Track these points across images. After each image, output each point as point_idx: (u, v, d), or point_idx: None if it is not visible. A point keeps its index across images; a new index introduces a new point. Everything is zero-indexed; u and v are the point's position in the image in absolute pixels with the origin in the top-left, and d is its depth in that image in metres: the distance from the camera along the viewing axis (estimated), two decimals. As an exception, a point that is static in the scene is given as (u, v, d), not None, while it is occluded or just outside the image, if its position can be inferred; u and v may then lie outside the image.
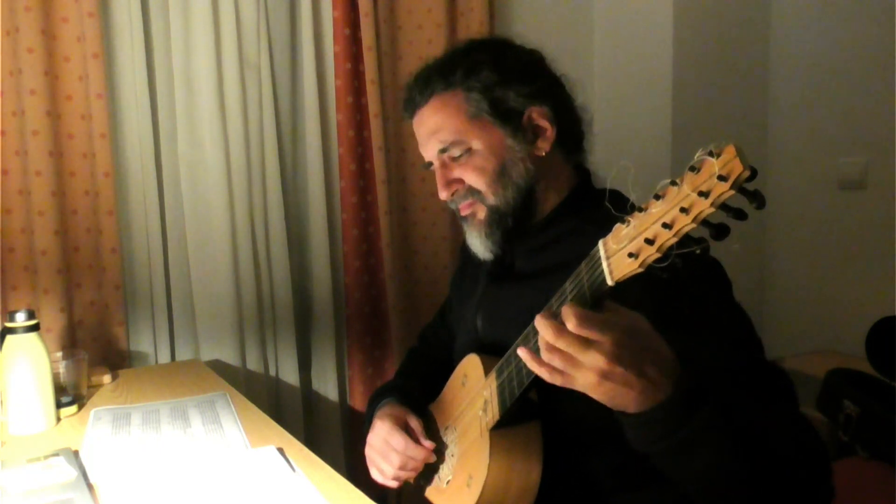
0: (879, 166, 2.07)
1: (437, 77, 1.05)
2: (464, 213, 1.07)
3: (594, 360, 0.70)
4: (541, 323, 0.73)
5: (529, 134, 1.03)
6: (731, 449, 0.76)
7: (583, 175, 1.10)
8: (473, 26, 2.07)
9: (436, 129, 1.05)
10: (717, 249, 0.70)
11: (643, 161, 2.19)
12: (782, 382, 0.89)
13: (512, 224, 1.04)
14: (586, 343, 0.71)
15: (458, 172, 1.05)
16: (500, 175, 1.02)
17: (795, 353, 2.18)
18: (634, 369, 0.71)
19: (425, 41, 2.05)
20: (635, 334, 0.72)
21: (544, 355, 0.74)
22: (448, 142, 1.04)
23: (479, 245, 1.07)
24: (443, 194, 1.07)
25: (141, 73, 1.76)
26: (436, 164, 1.07)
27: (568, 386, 0.74)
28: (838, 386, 1.70)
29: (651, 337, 0.74)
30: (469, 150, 1.03)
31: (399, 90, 2.01)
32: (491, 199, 1.03)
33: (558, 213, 1.06)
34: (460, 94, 1.03)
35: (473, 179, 1.03)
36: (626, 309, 0.74)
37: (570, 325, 0.71)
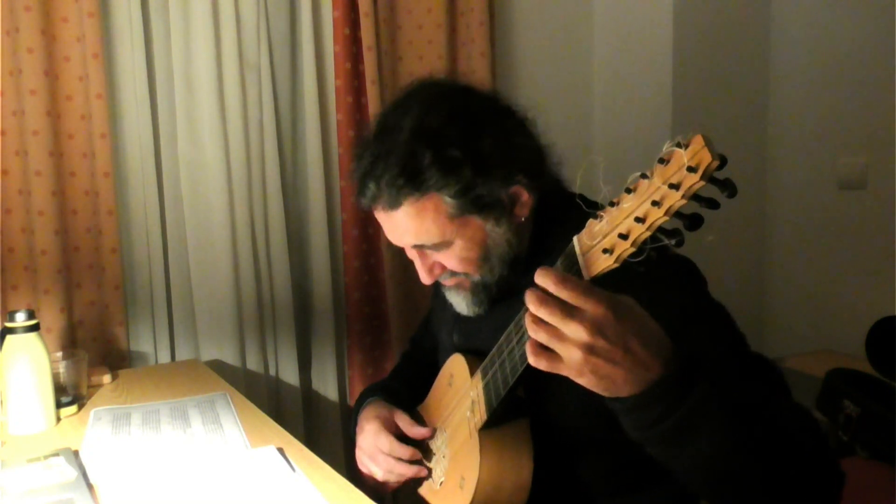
0: (879, 166, 2.07)
1: (407, 184, 0.92)
2: (447, 283, 1.03)
3: (577, 333, 0.67)
4: (527, 295, 0.70)
5: (508, 206, 0.97)
6: (728, 432, 0.73)
7: (544, 189, 1.02)
8: (473, 26, 2.07)
9: (411, 231, 0.96)
10: (699, 244, 0.69)
11: (643, 161, 2.18)
12: (772, 374, 0.88)
13: (496, 290, 1.01)
14: (569, 311, 0.67)
15: (438, 258, 0.99)
16: (485, 259, 0.98)
17: (795, 353, 2.17)
18: (619, 344, 0.67)
19: (425, 41, 2.05)
20: (619, 308, 0.68)
21: (530, 329, 0.71)
22: (428, 243, 0.97)
23: (464, 307, 1.03)
24: (426, 280, 1.01)
25: (141, 73, 1.76)
26: (410, 252, 1.01)
27: (554, 370, 0.70)
28: (838, 386, 1.70)
29: (638, 314, 0.71)
30: (450, 245, 0.97)
31: (399, 90, 2.01)
32: (477, 277, 0.99)
33: (531, 240, 1.02)
34: (435, 197, 0.93)
35: (456, 266, 0.98)
36: (610, 292, 0.71)
37: (550, 287, 0.68)
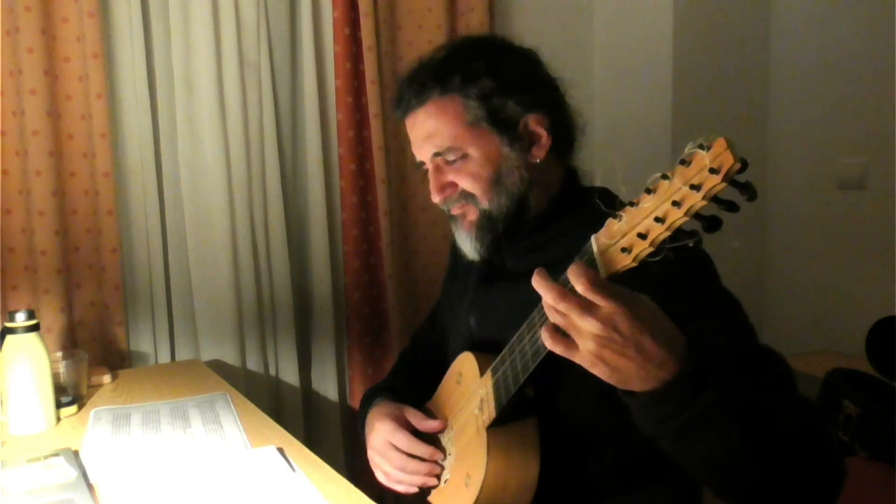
0: (879, 166, 2.07)
1: (434, 81, 1.02)
2: (454, 212, 1.07)
3: (592, 327, 0.70)
4: (542, 285, 0.72)
5: (525, 141, 1.02)
6: (738, 429, 0.76)
7: (570, 174, 1.10)
8: (473, 26, 2.07)
9: (431, 133, 1.03)
10: (719, 246, 0.70)
11: (643, 160, 2.19)
12: (779, 367, 0.89)
13: (502, 230, 1.04)
14: (586, 306, 0.70)
15: (452, 176, 1.04)
16: (495, 182, 1.02)
17: (795, 353, 2.17)
18: (632, 341, 0.70)
19: (425, 41, 2.05)
20: (635, 306, 0.71)
21: (549, 314, 0.73)
22: (444, 147, 1.02)
23: (468, 246, 1.07)
24: (436, 198, 1.06)
25: (141, 73, 1.76)
26: (429, 166, 1.06)
27: (568, 356, 0.73)
28: (838, 386, 1.70)
29: (653, 313, 0.73)
30: (465, 156, 1.02)
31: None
32: (485, 204, 1.03)
33: (549, 214, 1.05)
34: (458, 100, 1.01)
35: (468, 184, 1.03)
36: (629, 289, 0.73)
37: (580, 287, 0.70)
